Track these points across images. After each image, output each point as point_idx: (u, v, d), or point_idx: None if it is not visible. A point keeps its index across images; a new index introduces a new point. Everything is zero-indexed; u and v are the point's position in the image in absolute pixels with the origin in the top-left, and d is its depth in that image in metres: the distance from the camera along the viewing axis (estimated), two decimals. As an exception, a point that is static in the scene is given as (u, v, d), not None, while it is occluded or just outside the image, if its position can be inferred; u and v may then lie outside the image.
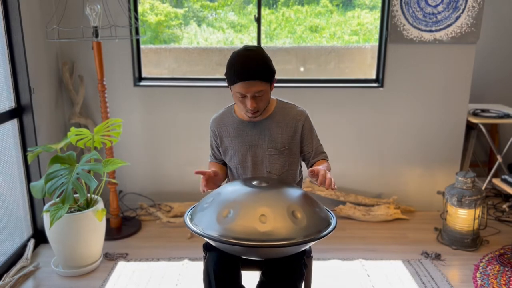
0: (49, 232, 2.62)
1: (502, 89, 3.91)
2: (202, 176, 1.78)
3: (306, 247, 1.67)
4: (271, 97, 1.92)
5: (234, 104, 1.96)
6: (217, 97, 3.35)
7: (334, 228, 1.61)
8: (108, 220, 3.19)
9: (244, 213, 1.53)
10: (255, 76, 1.71)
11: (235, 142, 1.93)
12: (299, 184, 2.04)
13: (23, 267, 2.71)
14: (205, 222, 1.57)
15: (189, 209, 1.74)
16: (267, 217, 1.51)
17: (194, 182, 3.49)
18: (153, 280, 2.63)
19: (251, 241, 1.48)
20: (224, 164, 2.05)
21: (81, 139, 2.78)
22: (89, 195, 2.75)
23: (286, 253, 1.63)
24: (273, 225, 1.50)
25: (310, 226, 1.55)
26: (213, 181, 1.81)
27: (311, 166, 1.95)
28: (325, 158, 1.97)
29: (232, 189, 1.67)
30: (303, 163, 2.04)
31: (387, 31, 3.24)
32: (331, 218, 1.69)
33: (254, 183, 1.69)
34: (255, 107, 1.77)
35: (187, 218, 1.66)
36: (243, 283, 1.76)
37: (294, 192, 1.68)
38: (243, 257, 1.72)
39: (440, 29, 3.22)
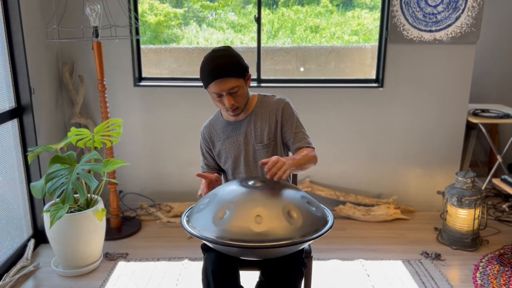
0: (49, 232, 2.62)
1: (502, 89, 3.90)
2: (203, 180, 1.79)
3: (303, 246, 1.67)
4: (253, 93, 1.95)
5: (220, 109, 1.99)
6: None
7: (330, 228, 1.61)
8: (108, 220, 3.19)
9: (239, 214, 1.52)
10: (226, 73, 1.74)
11: (225, 144, 1.96)
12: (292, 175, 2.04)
13: (23, 267, 2.71)
14: (202, 224, 1.57)
15: (186, 211, 1.74)
16: (263, 217, 1.50)
17: (194, 182, 3.48)
18: (153, 280, 2.63)
19: (246, 242, 1.47)
20: (218, 173, 2.06)
21: (81, 139, 2.78)
22: (89, 195, 2.75)
23: (282, 253, 1.62)
24: (269, 225, 1.49)
25: (306, 226, 1.54)
26: (213, 186, 1.81)
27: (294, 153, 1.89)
28: (308, 145, 1.88)
29: (228, 189, 1.66)
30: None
31: (387, 31, 3.24)
32: (328, 217, 1.68)
33: (250, 183, 1.68)
34: (233, 104, 1.80)
35: (184, 220, 1.66)
36: (242, 283, 1.76)
37: (290, 192, 1.67)
38: (241, 257, 1.72)
39: (440, 29, 3.22)
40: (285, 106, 1.91)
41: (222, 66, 1.75)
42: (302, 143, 1.88)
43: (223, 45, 1.87)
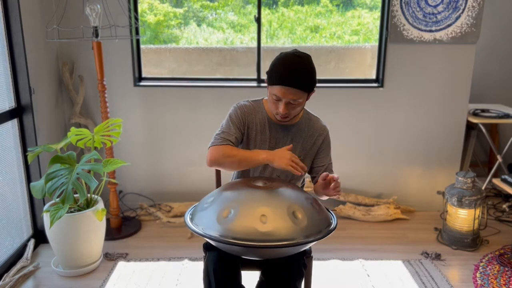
0: (49, 232, 2.62)
1: (502, 89, 3.90)
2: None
3: (307, 247, 1.67)
4: None
5: (263, 99, 1.95)
6: (217, 97, 3.35)
7: (334, 229, 1.61)
8: (108, 220, 3.19)
9: (244, 213, 1.52)
10: (297, 84, 1.70)
11: (258, 138, 1.91)
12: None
13: (23, 267, 2.71)
14: (205, 222, 1.57)
15: (190, 209, 1.74)
16: (267, 217, 1.51)
17: (194, 182, 3.49)
18: (153, 280, 2.63)
19: (251, 241, 1.47)
20: (232, 144, 1.90)
21: (81, 139, 2.78)
22: (89, 195, 2.75)
23: (286, 253, 1.63)
24: (273, 225, 1.50)
25: (310, 226, 1.54)
26: None
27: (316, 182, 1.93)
28: None
29: (233, 188, 1.67)
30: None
31: (387, 31, 3.24)
32: (331, 219, 1.69)
33: (255, 183, 1.69)
34: (286, 113, 1.77)
35: (187, 218, 1.66)
36: (243, 282, 1.76)
37: (295, 192, 1.68)
38: (243, 257, 1.72)
39: (440, 29, 3.22)
40: (327, 136, 1.97)
41: (297, 75, 1.69)
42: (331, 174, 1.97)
43: (292, 49, 1.78)
